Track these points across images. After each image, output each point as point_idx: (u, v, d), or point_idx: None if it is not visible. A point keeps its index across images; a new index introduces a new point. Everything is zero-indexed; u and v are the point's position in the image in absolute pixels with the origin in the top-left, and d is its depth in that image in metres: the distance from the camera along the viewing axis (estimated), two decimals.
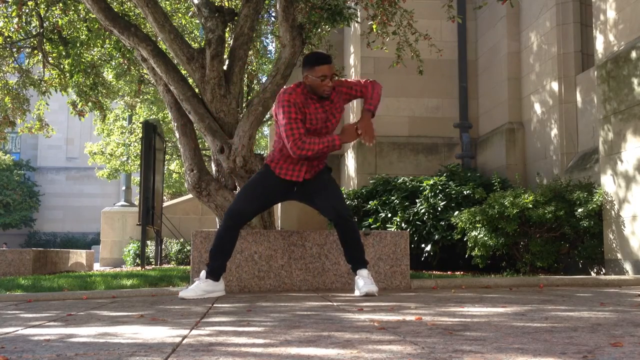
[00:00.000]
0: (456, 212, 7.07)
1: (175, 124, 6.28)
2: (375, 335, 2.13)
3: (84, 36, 8.18)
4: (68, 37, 8.33)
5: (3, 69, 9.20)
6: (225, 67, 6.09)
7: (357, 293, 4.05)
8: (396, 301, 3.58)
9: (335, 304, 3.48)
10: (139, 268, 9.97)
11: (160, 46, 6.79)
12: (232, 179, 5.94)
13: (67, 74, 8.47)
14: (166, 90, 6.24)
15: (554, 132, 7.89)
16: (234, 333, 2.28)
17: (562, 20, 7.83)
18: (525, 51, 8.74)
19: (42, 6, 8.17)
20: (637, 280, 5.04)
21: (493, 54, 9.43)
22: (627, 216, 5.83)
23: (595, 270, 6.58)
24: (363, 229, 6.73)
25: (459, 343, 1.92)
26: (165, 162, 14.92)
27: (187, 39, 9.16)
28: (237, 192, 5.52)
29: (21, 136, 34.07)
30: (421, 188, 7.92)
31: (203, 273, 4.13)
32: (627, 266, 5.82)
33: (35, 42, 8.73)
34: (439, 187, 7.73)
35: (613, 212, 6.03)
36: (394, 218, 7.72)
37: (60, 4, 8.01)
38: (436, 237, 7.34)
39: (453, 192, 7.57)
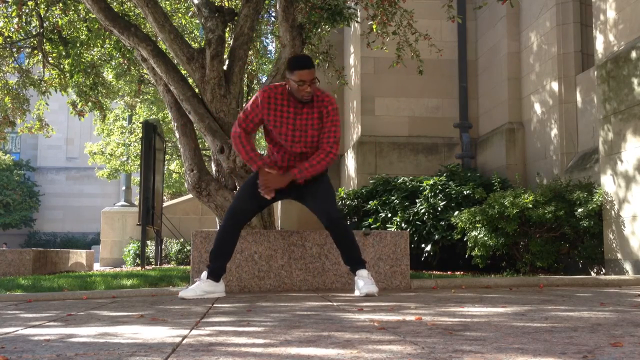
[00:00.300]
0: (456, 212, 7.07)
1: (175, 124, 6.28)
2: (375, 335, 2.13)
3: (84, 36, 8.18)
4: (68, 37, 8.33)
5: (3, 69, 9.20)
6: (225, 67, 6.09)
7: (357, 293, 4.05)
8: (396, 301, 3.58)
9: (335, 304, 3.48)
10: (139, 268, 9.97)
11: (160, 46, 6.79)
12: (232, 179, 5.94)
13: (67, 74, 8.47)
14: (166, 90, 6.24)
15: (554, 132, 7.89)
16: (234, 333, 2.28)
17: (562, 20, 7.83)
18: (525, 51, 8.74)
19: (42, 6, 8.17)
20: (637, 280, 5.04)
21: (493, 54, 9.43)
22: (627, 216, 5.83)
23: (595, 270, 6.58)
24: (363, 229, 6.73)
25: (459, 343, 1.92)
26: (165, 162, 14.92)
27: (187, 39, 9.16)
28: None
29: (21, 136, 34.07)
30: (421, 188, 7.92)
31: (204, 274, 4.13)
32: (627, 266, 5.82)
33: (35, 42, 8.73)
34: (439, 187, 7.73)
35: (613, 212, 6.03)
36: (394, 218, 7.72)
37: (60, 4, 8.01)
38: (436, 237, 7.34)
39: (453, 192, 7.57)
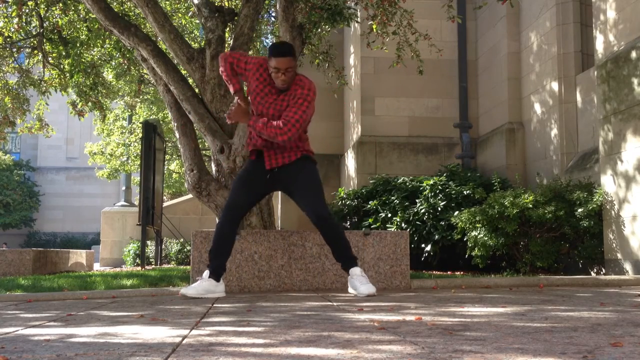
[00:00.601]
0: (456, 212, 7.07)
1: (175, 124, 6.28)
2: (375, 335, 2.13)
3: (84, 36, 8.18)
4: (68, 37, 8.33)
5: (3, 69, 9.20)
6: None
7: (351, 292, 4.08)
8: (396, 301, 3.58)
9: (335, 304, 3.48)
10: (139, 268, 9.97)
11: (160, 46, 6.79)
12: (232, 179, 5.94)
13: (67, 74, 8.47)
14: (166, 90, 6.24)
15: (554, 132, 7.89)
16: (234, 333, 2.28)
17: (562, 20, 7.83)
18: (525, 51, 8.74)
19: (42, 6, 8.17)
20: (637, 280, 5.04)
21: (493, 54, 9.43)
22: (627, 216, 5.83)
23: (595, 270, 6.58)
24: (363, 229, 6.74)
25: (459, 343, 1.92)
26: (165, 162, 14.92)
27: (187, 39, 9.17)
28: None
29: (21, 136, 34.07)
30: (421, 188, 7.92)
31: (206, 272, 4.14)
32: (627, 266, 5.82)
33: (35, 42, 8.73)
34: (439, 187, 7.73)
35: (613, 212, 6.03)
36: (394, 218, 7.72)
37: (60, 4, 8.01)
38: (436, 237, 7.34)
39: (453, 192, 7.57)
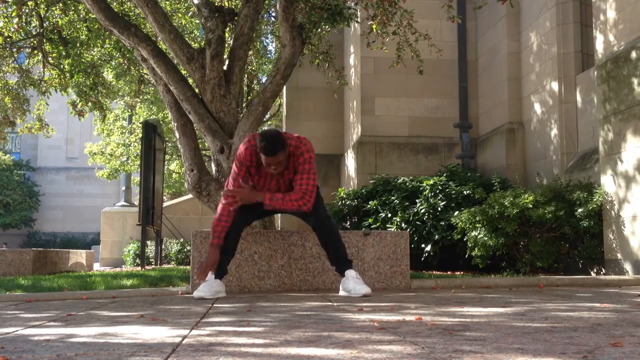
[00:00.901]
0: (456, 212, 7.07)
1: (175, 124, 6.28)
2: (375, 335, 2.13)
3: (84, 36, 8.18)
4: (68, 37, 8.33)
5: (3, 69, 9.19)
6: (225, 67, 6.09)
7: (342, 293, 4.11)
8: (396, 301, 3.58)
9: (335, 304, 3.48)
10: (139, 268, 9.96)
11: (160, 46, 6.79)
12: None
13: (67, 74, 8.47)
14: (166, 90, 6.24)
15: (554, 132, 7.89)
16: (234, 333, 2.28)
17: (562, 20, 7.83)
18: (525, 51, 8.74)
19: (42, 6, 8.17)
20: (637, 280, 5.04)
21: (493, 54, 9.43)
22: (627, 216, 5.83)
23: (595, 270, 6.58)
24: (363, 229, 6.73)
25: (459, 343, 1.92)
26: (165, 162, 14.92)
27: (187, 39, 9.16)
28: None
29: (21, 136, 34.07)
30: (421, 188, 7.92)
31: (211, 274, 4.19)
32: (627, 266, 5.82)
33: (35, 42, 8.73)
34: (439, 187, 7.73)
35: (613, 212, 6.03)
36: (394, 218, 7.72)
37: (60, 4, 8.01)
38: (436, 237, 7.34)
39: (453, 192, 7.57)
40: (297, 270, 4.65)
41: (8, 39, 8.70)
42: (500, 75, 9.14)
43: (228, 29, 6.71)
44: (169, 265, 11.21)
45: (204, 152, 10.07)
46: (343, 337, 2.09)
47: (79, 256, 10.92)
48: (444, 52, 8.39)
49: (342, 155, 11.51)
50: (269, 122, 16.21)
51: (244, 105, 7.90)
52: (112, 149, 17.39)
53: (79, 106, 9.08)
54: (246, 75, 8.59)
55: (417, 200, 7.78)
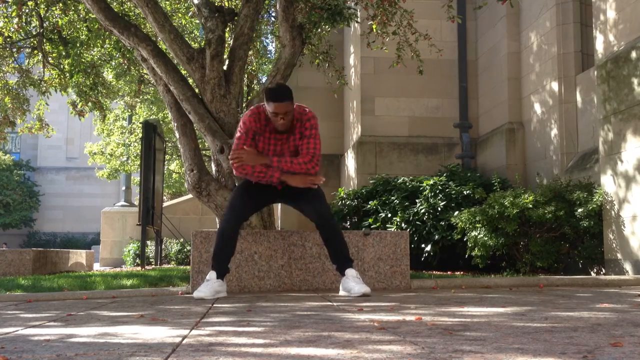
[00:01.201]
0: (456, 212, 7.07)
1: (175, 124, 6.28)
2: (375, 335, 2.13)
3: (84, 36, 8.18)
4: (68, 37, 8.32)
5: (3, 69, 9.19)
6: (225, 67, 6.09)
7: (342, 293, 4.10)
8: (396, 301, 3.58)
9: (335, 304, 3.48)
10: (139, 268, 9.96)
11: (160, 46, 6.79)
12: (232, 179, 5.93)
13: (67, 74, 8.47)
14: (166, 90, 6.24)
15: (554, 132, 7.89)
16: (234, 333, 2.28)
17: (562, 20, 7.83)
18: (525, 51, 8.74)
19: (42, 6, 8.17)
20: (637, 280, 5.04)
21: (493, 54, 9.43)
22: (627, 216, 5.83)
23: (595, 270, 6.58)
24: (363, 229, 6.73)
25: (459, 343, 1.92)
26: (165, 162, 14.91)
27: (187, 39, 9.16)
28: None
29: (21, 136, 34.07)
30: (421, 188, 7.92)
31: (213, 274, 4.18)
32: (627, 266, 5.82)
33: (35, 42, 8.72)
34: (439, 187, 7.73)
35: (613, 212, 6.03)
36: (394, 218, 7.72)
37: (60, 4, 8.01)
38: (436, 237, 7.34)
39: (453, 192, 7.57)
40: (297, 270, 4.65)
41: (8, 39, 8.70)
42: (500, 75, 9.14)
43: (228, 29, 6.70)
44: (169, 265, 11.21)
45: (204, 152, 10.06)
46: (343, 337, 2.09)
47: (79, 256, 10.92)
48: (444, 52, 8.39)
49: (342, 155, 11.51)
50: None
51: (244, 105, 7.89)
52: (112, 149, 17.38)
53: (79, 106, 9.08)
54: (246, 75, 8.58)
55: (417, 200, 7.79)
